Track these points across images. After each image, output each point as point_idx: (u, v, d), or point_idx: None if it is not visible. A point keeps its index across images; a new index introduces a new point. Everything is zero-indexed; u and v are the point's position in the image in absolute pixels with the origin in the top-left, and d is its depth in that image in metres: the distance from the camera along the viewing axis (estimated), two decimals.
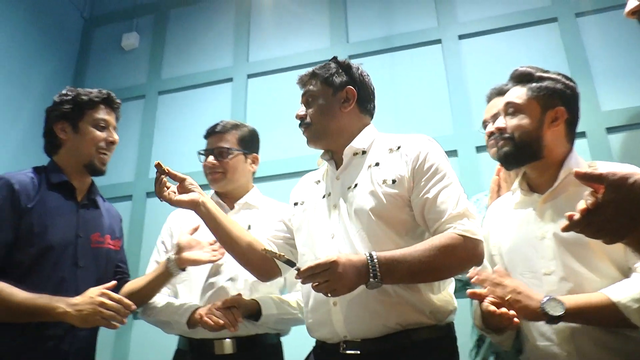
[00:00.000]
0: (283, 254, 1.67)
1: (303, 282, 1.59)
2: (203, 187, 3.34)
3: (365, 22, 3.73)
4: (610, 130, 2.96)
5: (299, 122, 1.93)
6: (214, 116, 3.66)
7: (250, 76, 3.83)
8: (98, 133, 2.12)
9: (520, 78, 1.78)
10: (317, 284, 1.54)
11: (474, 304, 1.82)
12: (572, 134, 1.76)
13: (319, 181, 1.98)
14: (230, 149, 2.34)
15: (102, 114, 2.14)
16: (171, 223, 2.43)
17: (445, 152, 3.07)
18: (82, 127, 2.11)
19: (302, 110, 1.93)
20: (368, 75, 1.97)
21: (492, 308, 1.53)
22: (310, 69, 1.96)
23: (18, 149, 3.65)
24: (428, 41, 3.51)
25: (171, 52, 4.17)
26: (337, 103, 1.87)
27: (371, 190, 1.74)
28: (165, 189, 1.91)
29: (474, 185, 2.95)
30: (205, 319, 2.03)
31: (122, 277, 2.22)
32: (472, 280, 1.59)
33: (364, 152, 1.87)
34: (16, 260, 1.89)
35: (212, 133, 2.39)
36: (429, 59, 3.48)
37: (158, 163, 1.89)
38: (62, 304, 1.79)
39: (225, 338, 2.13)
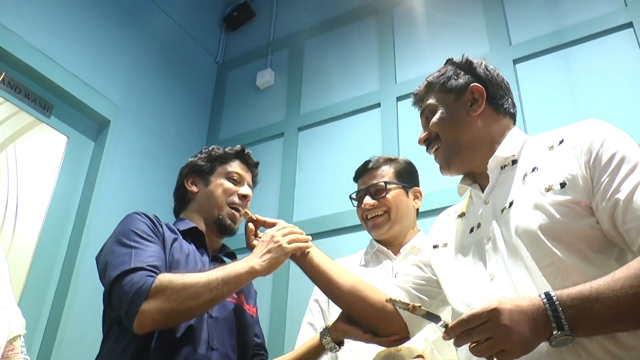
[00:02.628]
0: (419, 304, 1.25)
1: (456, 344, 1.14)
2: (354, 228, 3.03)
3: (528, 18, 3.17)
4: None
5: (424, 148, 1.54)
6: (363, 147, 3.29)
7: (399, 99, 3.37)
8: (230, 185, 1.93)
9: None
10: (475, 343, 1.09)
11: None
12: None
13: (462, 214, 1.55)
14: (389, 182, 2.03)
15: (236, 168, 1.98)
16: None
17: None
18: (213, 180, 1.94)
19: (423, 133, 1.56)
20: (496, 69, 1.58)
21: None
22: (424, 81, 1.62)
23: (154, 199, 3.44)
24: (613, 27, 2.86)
25: (309, 84, 3.86)
26: (463, 108, 1.49)
27: (534, 204, 1.26)
28: (257, 238, 1.70)
29: None
30: None
31: (260, 353, 1.91)
32: None
33: (514, 162, 1.42)
34: None
35: (364, 171, 2.11)
36: (615, 48, 2.82)
37: (245, 211, 1.77)
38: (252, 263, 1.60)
39: None
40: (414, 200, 2.10)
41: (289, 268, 3.19)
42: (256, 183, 2.08)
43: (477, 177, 1.51)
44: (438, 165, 1.54)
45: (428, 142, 1.54)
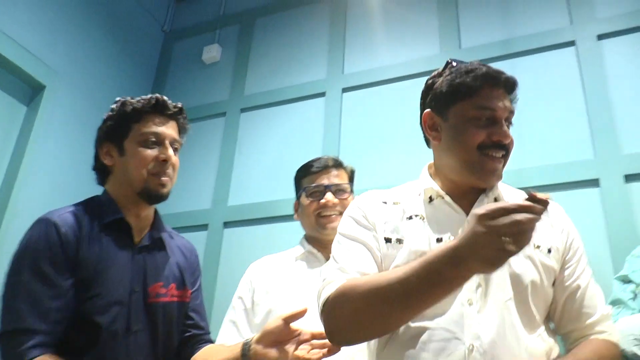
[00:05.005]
0: None
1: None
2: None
3: (480, 24, 3.18)
4: None
5: (501, 148, 1.39)
6: (305, 136, 3.28)
7: (345, 90, 3.34)
8: (147, 152, 1.70)
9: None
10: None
11: None
12: None
13: (421, 216, 1.45)
14: (350, 187, 2.10)
15: (152, 127, 1.72)
16: (252, 276, 2.05)
17: (585, 181, 2.48)
18: (128, 148, 1.72)
19: (508, 135, 1.41)
20: None
21: None
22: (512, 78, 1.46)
23: (89, 171, 3.30)
24: (558, 44, 2.90)
25: (256, 64, 3.76)
26: None
27: (528, 254, 1.33)
28: None
29: (622, 226, 2.35)
30: None
31: (195, 334, 1.82)
32: None
33: (495, 199, 1.43)
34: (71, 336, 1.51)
35: (328, 167, 2.08)
36: (559, 65, 2.87)
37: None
38: None
39: None
40: None
41: (220, 251, 3.16)
42: (186, 130, 1.85)
43: (453, 191, 1.46)
44: (491, 171, 1.40)
45: (506, 146, 1.42)
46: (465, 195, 1.43)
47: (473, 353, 1.22)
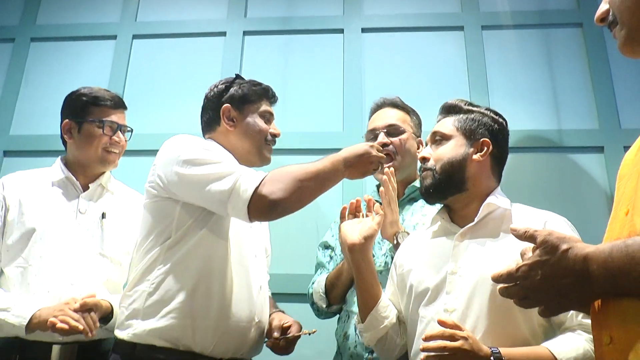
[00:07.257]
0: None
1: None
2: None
3: None
4: None
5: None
6: (91, 76, 3.38)
7: (136, 37, 3.47)
8: None
9: (449, 110, 1.77)
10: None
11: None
12: (499, 170, 1.74)
13: None
14: (131, 130, 2.24)
15: None
16: (6, 192, 2.03)
17: (332, 149, 2.97)
18: None
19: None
20: None
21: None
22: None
23: None
24: (329, 29, 3.34)
25: None
26: None
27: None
28: None
29: (357, 190, 2.86)
30: (60, 324, 1.71)
31: None
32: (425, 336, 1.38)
33: None
34: None
35: (121, 107, 2.20)
36: (328, 49, 3.31)
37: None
38: None
39: (64, 343, 1.86)
40: None
41: None
42: None
43: None
44: (270, 154, 2.05)
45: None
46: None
47: (254, 323, 1.80)
